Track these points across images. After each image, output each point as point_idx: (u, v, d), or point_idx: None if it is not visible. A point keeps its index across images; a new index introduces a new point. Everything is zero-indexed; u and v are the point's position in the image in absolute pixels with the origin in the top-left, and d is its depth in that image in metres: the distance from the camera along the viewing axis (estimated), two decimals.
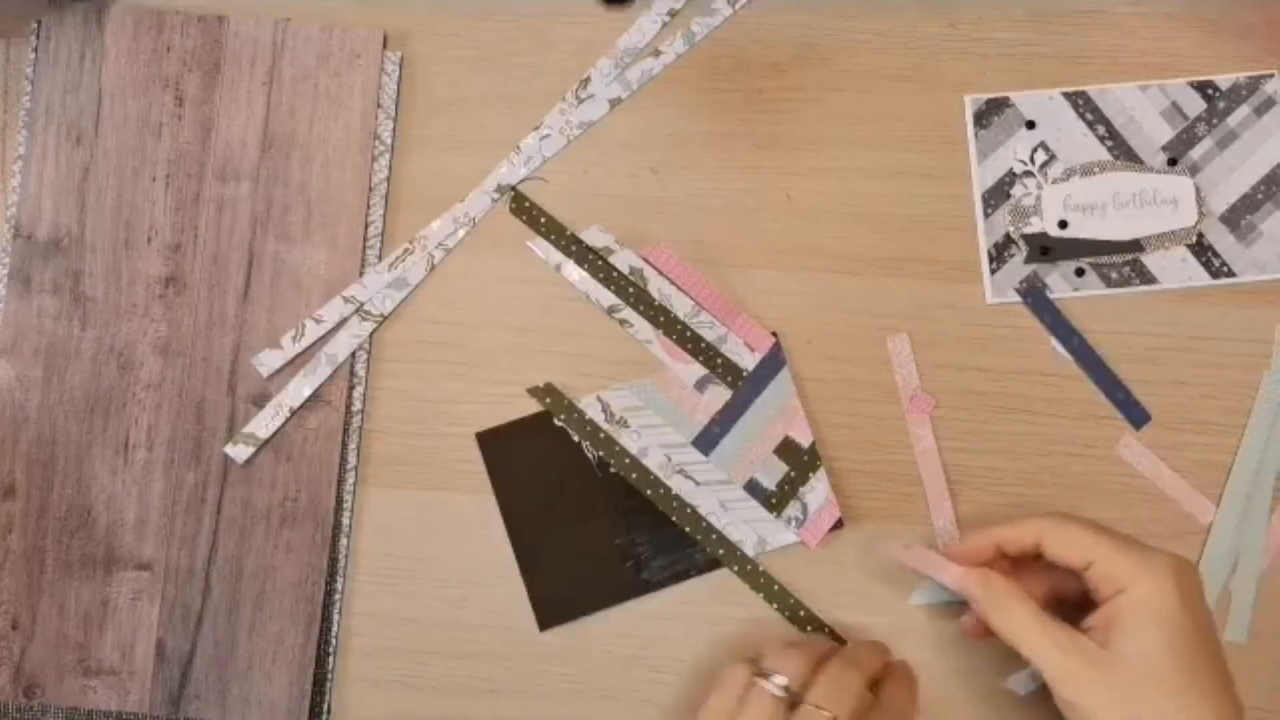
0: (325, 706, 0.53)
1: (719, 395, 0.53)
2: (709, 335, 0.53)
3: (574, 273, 0.54)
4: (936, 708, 0.52)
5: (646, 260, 0.54)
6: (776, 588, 0.52)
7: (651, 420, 0.53)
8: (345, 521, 0.53)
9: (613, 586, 0.52)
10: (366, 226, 0.54)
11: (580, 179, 0.55)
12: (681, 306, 0.53)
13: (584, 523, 0.53)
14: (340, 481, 0.53)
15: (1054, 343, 0.53)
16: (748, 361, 0.53)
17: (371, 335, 0.54)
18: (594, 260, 0.54)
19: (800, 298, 0.54)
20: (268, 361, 0.53)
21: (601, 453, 0.53)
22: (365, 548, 0.53)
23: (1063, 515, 0.47)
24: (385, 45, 0.55)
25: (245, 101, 0.55)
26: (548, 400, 0.53)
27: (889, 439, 0.53)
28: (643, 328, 0.53)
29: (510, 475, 0.53)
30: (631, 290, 0.53)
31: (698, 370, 0.53)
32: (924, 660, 0.52)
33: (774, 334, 0.53)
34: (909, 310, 0.54)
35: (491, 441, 0.53)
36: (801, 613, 0.52)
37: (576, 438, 0.53)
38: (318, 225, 0.54)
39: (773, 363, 0.53)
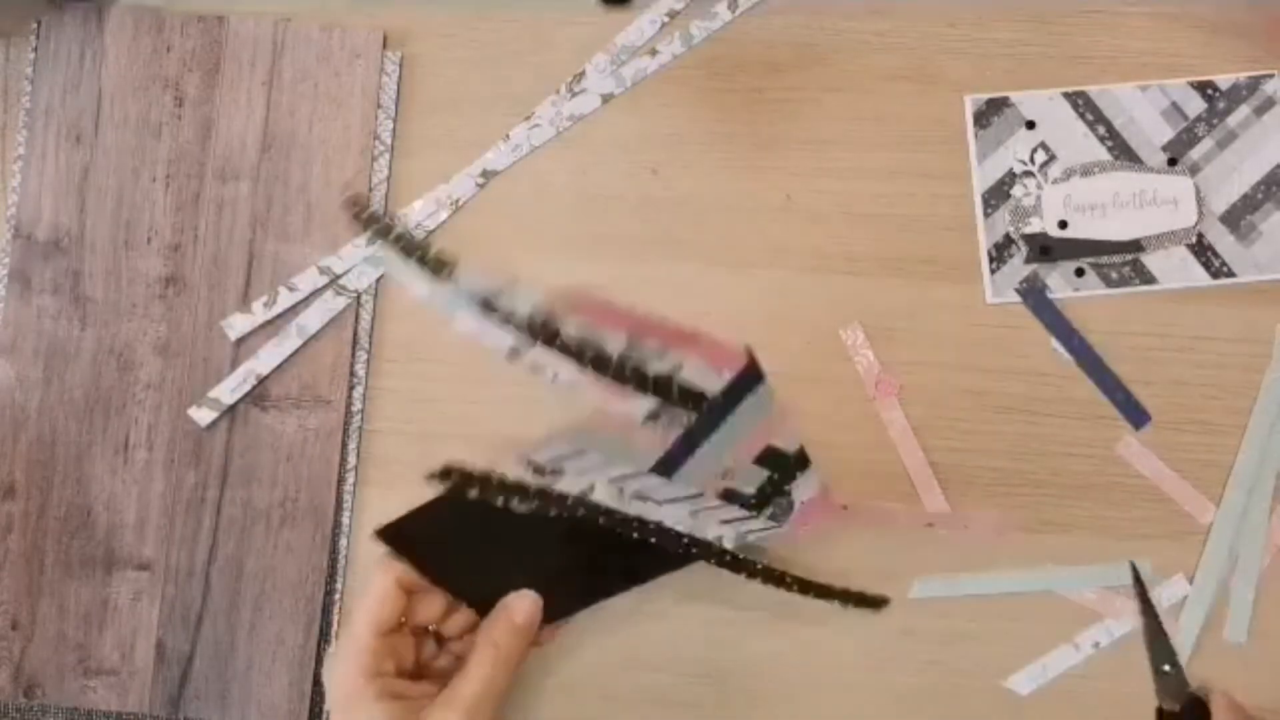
0: (325, 706, 0.53)
1: (676, 422, 0.42)
2: (656, 368, 0.41)
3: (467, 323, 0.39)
4: (937, 706, 0.52)
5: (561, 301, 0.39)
6: (761, 565, 0.49)
7: (592, 461, 0.43)
8: (345, 521, 0.53)
9: (580, 595, 0.48)
10: None
11: (580, 179, 0.55)
12: (613, 343, 0.40)
13: (535, 561, 0.46)
14: (340, 481, 0.53)
15: (1054, 343, 0.53)
16: (714, 383, 0.41)
17: (365, 332, 0.54)
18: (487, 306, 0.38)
19: (800, 298, 0.54)
20: (237, 325, 0.53)
21: (536, 505, 0.43)
22: (365, 548, 0.53)
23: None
24: (385, 45, 0.55)
25: (245, 101, 0.55)
26: (450, 483, 0.42)
27: (891, 438, 0.53)
28: (564, 370, 0.40)
29: (435, 558, 0.45)
30: (543, 331, 0.39)
31: (647, 403, 0.41)
32: (924, 657, 0.52)
33: (748, 348, 0.41)
34: (909, 310, 0.54)
35: (397, 537, 0.45)
36: (788, 579, 0.50)
37: (501, 501, 0.43)
38: (318, 225, 0.54)
39: (748, 379, 0.42)
